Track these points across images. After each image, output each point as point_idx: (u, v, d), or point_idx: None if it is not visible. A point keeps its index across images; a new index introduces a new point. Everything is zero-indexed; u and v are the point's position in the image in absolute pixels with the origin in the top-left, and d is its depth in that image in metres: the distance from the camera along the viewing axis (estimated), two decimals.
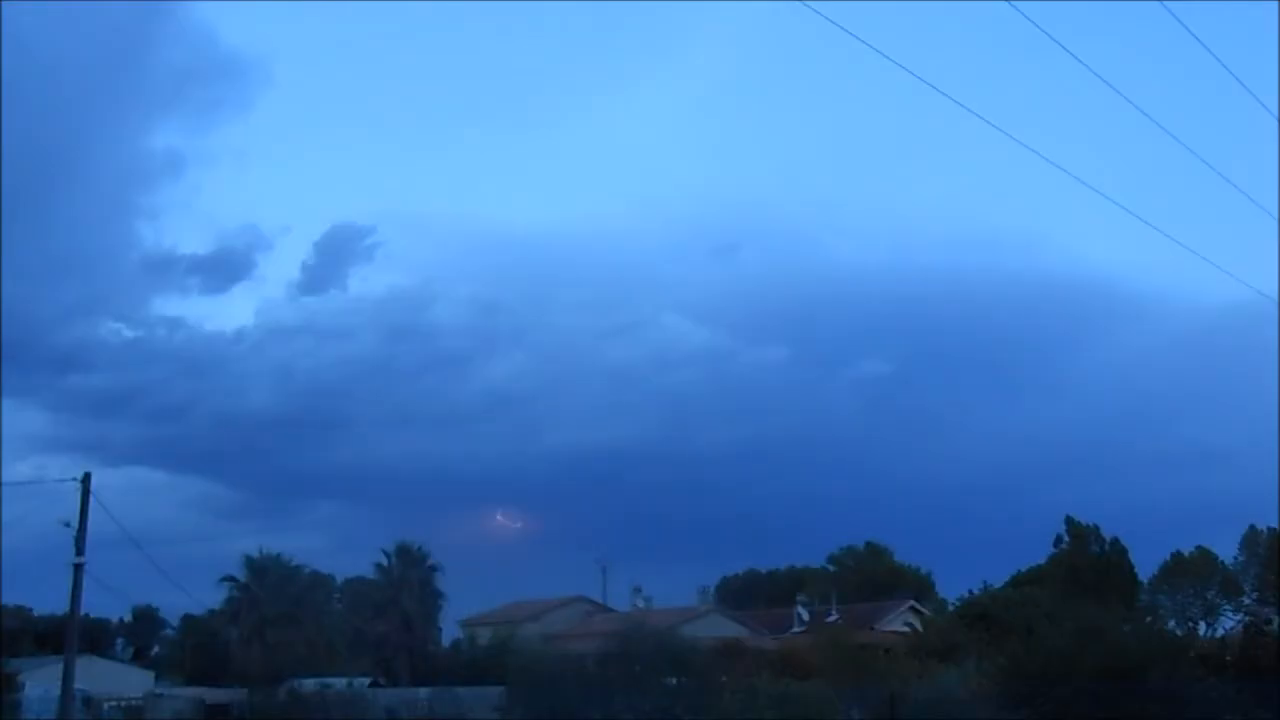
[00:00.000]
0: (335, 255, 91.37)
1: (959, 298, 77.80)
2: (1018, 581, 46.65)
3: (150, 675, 49.97)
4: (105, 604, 62.32)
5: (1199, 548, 52.10)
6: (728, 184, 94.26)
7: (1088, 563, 46.98)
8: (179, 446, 77.44)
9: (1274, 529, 48.14)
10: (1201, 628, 47.39)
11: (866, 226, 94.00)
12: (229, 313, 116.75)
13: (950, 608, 49.86)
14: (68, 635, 28.34)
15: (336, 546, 79.80)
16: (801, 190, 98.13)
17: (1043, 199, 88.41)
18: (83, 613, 31.59)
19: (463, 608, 53.10)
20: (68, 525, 26.33)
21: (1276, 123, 18.47)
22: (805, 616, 49.20)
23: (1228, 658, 24.34)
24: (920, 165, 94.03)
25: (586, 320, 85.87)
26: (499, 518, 57.24)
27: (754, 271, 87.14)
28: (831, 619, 46.27)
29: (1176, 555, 52.04)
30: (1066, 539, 49.44)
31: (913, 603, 50.11)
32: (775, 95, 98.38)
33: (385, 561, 48.79)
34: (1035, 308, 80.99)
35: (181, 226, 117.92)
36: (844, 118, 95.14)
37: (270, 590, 45.26)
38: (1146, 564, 50.72)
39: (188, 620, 59.50)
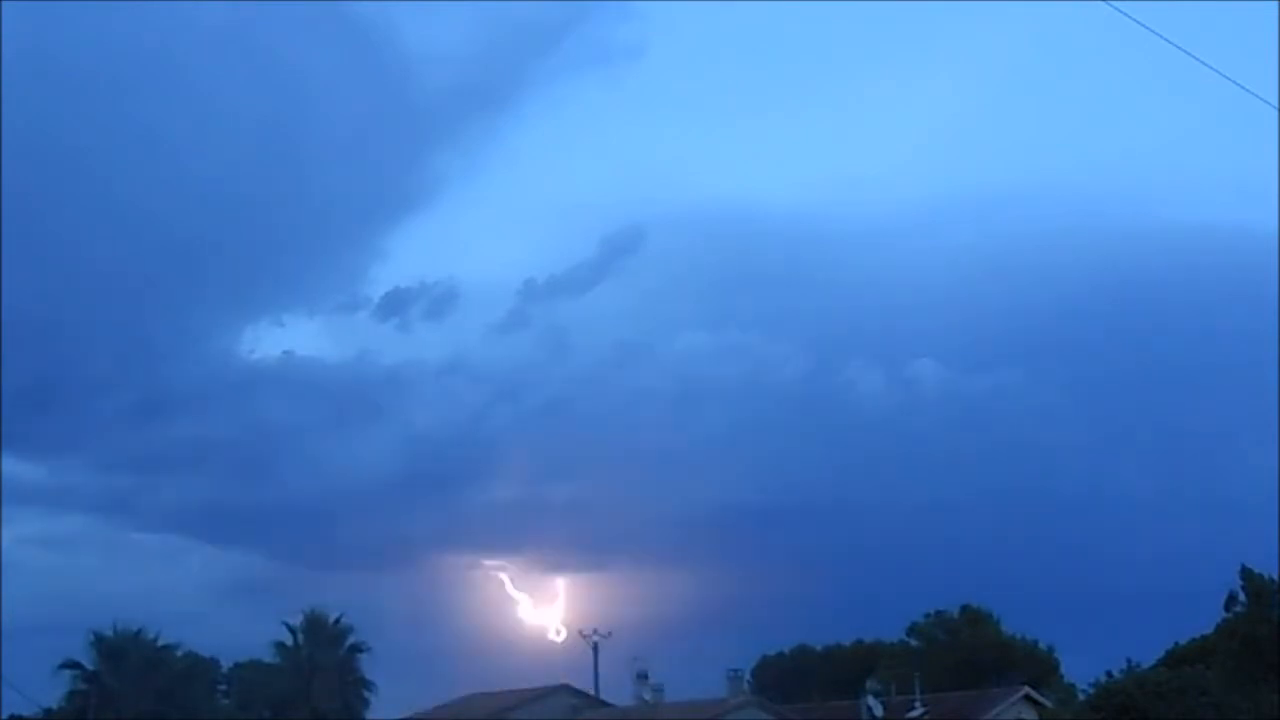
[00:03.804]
0: None
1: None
2: (1174, 658, 46.73)
3: None
4: None
5: None
6: None
7: (1271, 631, 46.93)
8: None
9: None
10: None
11: None
12: None
13: (1080, 695, 49.94)
14: None
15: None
16: None
17: None
18: None
19: (401, 701, 53.30)
20: None
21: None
22: (878, 711, 49.31)
23: None
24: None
25: None
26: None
27: None
28: (915, 713, 46.29)
29: None
30: (1243, 599, 49.36)
31: (1027, 689, 50.24)
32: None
33: (290, 639, 48.89)
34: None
35: None
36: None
37: (129, 679, 45.51)
38: None
39: None
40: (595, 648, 54.80)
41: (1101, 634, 69.10)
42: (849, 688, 55.56)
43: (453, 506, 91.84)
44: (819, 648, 72.37)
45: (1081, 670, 57.14)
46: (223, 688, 61.87)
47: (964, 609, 64.22)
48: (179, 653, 51.29)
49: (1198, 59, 20.00)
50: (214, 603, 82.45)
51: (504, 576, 65.49)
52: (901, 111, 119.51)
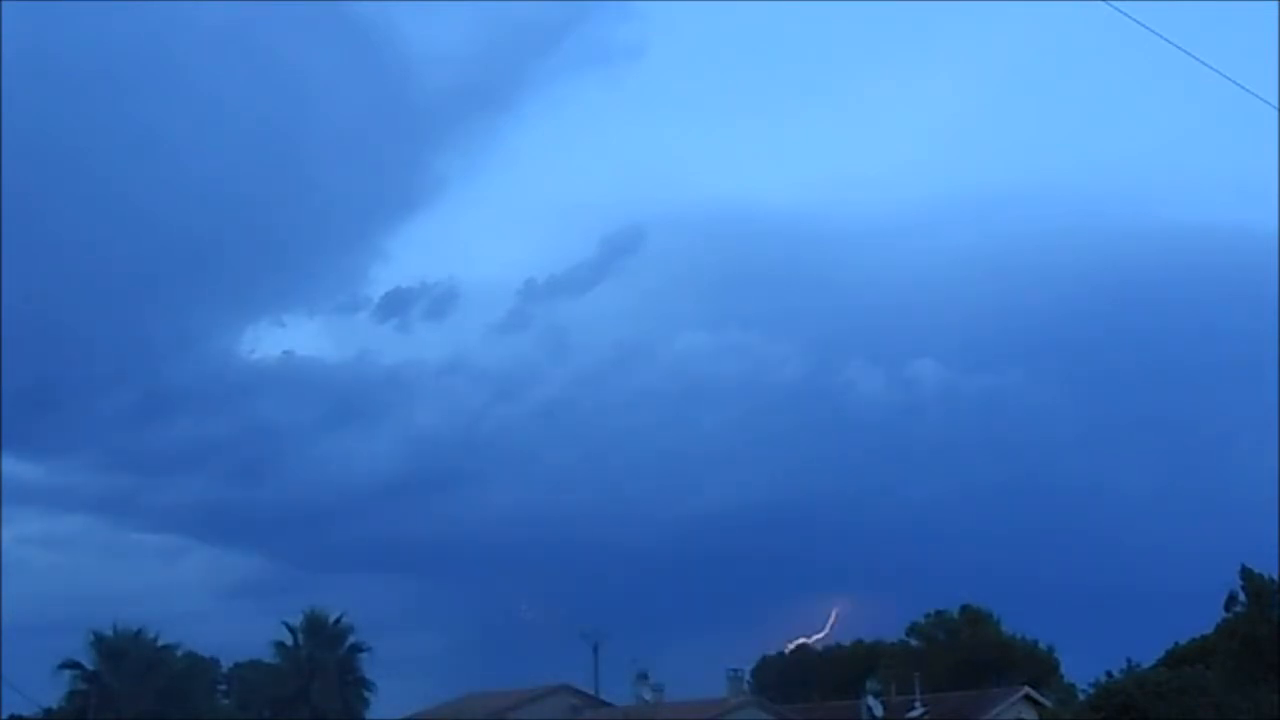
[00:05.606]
0: None
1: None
2: (1175, 658, 46.76)
3: None
4: None
5: None
6: None
7: (1271, 631, 46.94)
8: None
9: None
10: None
11: None
12: None
13: (1081, 695, 49.93)
14: None
15: None
16: None
17: None
18: None
19: (402, 702, 53.36)
20: None
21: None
22: (878, 711, 49.35)
23: None
24: None
25: None
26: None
27: None
28: (915, 713, 46.32)
29: None
30: (1243, 599, 49.36)
31: (1028, 689, 50.29)
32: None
33: (290, 639, 48.93)
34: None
35: None
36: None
37: (129, 679, 45.52)
38: None
39: None
40: (595, 648, 54.79)
41: (1101, 634, 69.14)
42: (849, 688, 55.60)
43: (453, 506, 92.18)
44: (819, 648, 72.44)
45: (1081, 670, 57.21)
46: (223, 688, 61.91)
47: (964, 609, 64.30)
48: (179, 653, 51.34)
49: (1198, 59, 20.05)
50: (214, 603, 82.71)
51: (504, 575, 65.60)
52: (901, 111, 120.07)
